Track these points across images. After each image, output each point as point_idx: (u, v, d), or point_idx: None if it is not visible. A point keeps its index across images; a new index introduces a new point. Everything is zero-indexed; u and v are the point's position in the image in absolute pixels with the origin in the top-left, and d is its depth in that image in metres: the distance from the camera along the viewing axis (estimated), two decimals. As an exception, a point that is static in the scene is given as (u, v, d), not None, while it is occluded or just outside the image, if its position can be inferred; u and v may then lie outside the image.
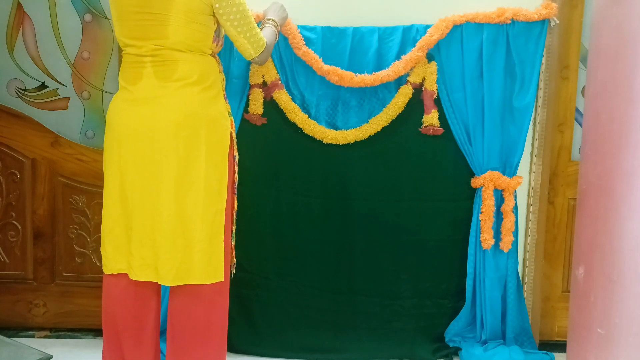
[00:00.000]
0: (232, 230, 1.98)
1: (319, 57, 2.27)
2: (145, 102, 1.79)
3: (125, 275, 1.87)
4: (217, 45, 1.89)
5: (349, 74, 2.26)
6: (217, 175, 1.84)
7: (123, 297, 1.90)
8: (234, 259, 2.04)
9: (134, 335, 1.92)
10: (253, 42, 1.92)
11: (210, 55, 1.88)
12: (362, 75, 2.27)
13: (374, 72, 2.28)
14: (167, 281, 1.82)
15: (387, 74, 2.26)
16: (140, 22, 1.77)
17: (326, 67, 2.26)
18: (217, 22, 1.86)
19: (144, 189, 1.80)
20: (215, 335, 1.92)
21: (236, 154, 1.98)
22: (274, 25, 2.09)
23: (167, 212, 1.79)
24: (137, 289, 1.89)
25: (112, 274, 1.89)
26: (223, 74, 1.96)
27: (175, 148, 1.77)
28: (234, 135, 1.95)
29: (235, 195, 2.01)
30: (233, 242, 2.00)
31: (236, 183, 1.99)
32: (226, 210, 1.89)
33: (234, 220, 2.01)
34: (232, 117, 1.95)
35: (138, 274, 1.85)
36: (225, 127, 1.88)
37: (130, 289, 1.89)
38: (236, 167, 1.99)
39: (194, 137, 1.79)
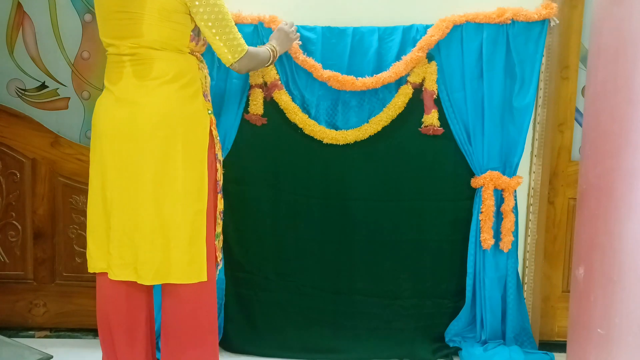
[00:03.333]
0: (215, 231, 1.97)
1: (319, 59, 2.28)
2: (125, 102, 1.81)
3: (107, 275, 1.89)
4: (196, 44, 1.87)
5: (350, 78, 2.26)
6: (196, 174, 1.84)
7: (114, 296, 1.91)
8: (219, 260, 2.02)
9: (126, 335, 1.93)
10: (230, 47, 1.87)
11: (190, 53, 1.87)
12: (363, 79, 2.27)
13: (374, 75, 2.28)
14: (146, 280, 1.83)
15: (387, 75, 2.26)
16: (118, 21, 1.78)
17: (327, 73, 2.26)
18: (192, 21, 1.84)
19: (123, 189, 1.82)
20: (205, 335, 1.92)
21: (218, 153, 1.97)
22: (271, 50, 2.07)
23: (145, 212, 1.80)
24: (128, 288, 1.90)
25: (103, 273, 1.90)
26: (205, 72, 1.94)
27: (153, 148, 1.78)
28: (215, 133, 1.93)
29: (220, 195, 1.99)
30: (217, 243, 1.98)
31: (220, 182, 1.98)
32: (208, 210, 1.88)
33: (218, 221, 1.99)
34: (213, 115, 1.94)
35: (117, 274, 1.86)
36: (203, 125, 1.87)
37: (121, 289, 1.90)
38: (219, 166, 1.97)
39: (171, 136, 1.79)
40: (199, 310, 1.90)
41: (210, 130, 1.90)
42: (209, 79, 1.97)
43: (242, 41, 1.91)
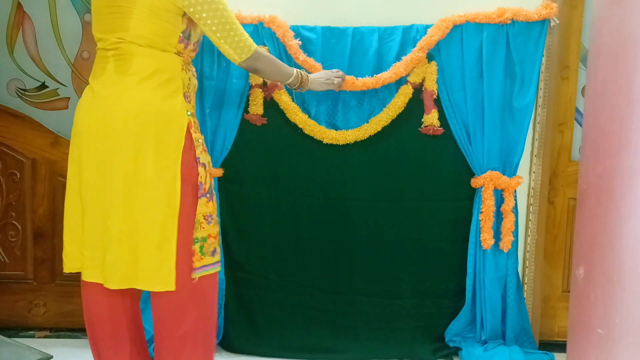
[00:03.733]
0: (193, 235, 1.84)
1: (319, 59, 2.28)
2: (102, 98, 1.77)
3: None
4: (185, 47, 1.82)
5: (350, 78, 2.26)
6: (167, 177, 1.75)
7: (95, 299, 1.88)
8: (219, 267, 1.93)
9: (109, 340, 1.90)
10: (236, 48, 1.84)
11: (175, 53, 1.82)
12: (363, 79, 2.27)
13: (374, 75, 2.28)
14: (112, 284, 1.77)
15: (388, 76, 2.26)
16: (108, 15, 1.76)
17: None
18: (188, 24, 1.81)
19: (96, 188, 1.77)
20: (193, 342, 1.86)
21: (201, 156, 1.85)
22: (299, 72, 2.04)
23: (115, 213, 1.74)
24: (109, 291, 1.83)
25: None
26: (190, 74, 1.88)
27: (125, 147, 1.73)
28: (195, 135, 1.83)
29: (206, 198, 1.86)
30: (197, 248, 1.85)
31: (204, 185, 1.85)
32: (183, 215, 1.78)
33: (203, 225, 1.87)
34: (194, 118, 1.86)
35: (88, 274, 1.82)
36: (179, 125, 1.79)
37: (102, 291, 1.85)
38: (201, 169, 1.84)
39: (143, 135, 1.73)
40: (184, 317, 1.83)
41: (190, 133, 1.81)
42: (194, 82, 1.91)
43: (250, 41, 1.87)
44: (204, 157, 1.87)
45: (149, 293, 1.96)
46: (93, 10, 1.82)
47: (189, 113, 1.83)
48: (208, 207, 1.87)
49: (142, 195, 1.74)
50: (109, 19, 1.76)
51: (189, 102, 1.86)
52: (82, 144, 1.79)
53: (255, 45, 1.89)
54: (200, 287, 1.85)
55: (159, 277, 1.76)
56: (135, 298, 1.94)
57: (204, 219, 1.86)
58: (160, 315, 1.84)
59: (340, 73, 2.22)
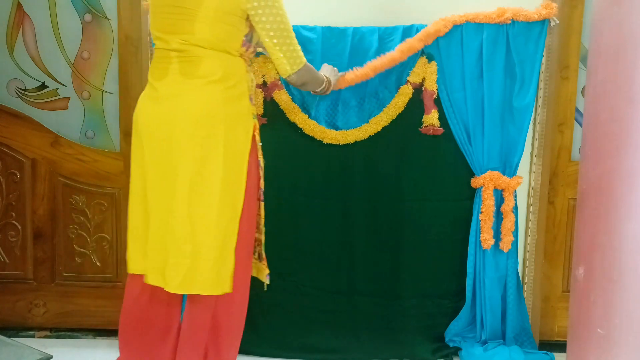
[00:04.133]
0: (259, 240, 1.91)
1: (319, 59, 2.27)
2: (167, 99, 1.75)
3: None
4: (247, 49, 1.82)
5: (349, 72, 2.25)
6: (234, 179, 1.77)
7: (144, 300, 1.86)
8: (267, 270, 1.98)
9: (154, 341, 1.89)
10: (290, 58, 1.81)
11: (239, 56, 1.82)
12: (356, 69, 2.24)
13: (366, 63, 2.24)
14: (171, 288, 1.75)
15: (385, 60, 2.22)
16: (170, 15, 1.74)
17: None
18: (250, 27, 1.80)
19: (161, 189, 1.76)
20: (228, 346, 1.88)
21: (261, 159, 1.90)
22: (326, 78, 2.04)
23: (179, 214, 1.73)
24: (161, 293, 1.82)
25: (135, 275, 1.86)
26: (252, 75, 1.89)
27: (192, 148, 1.72)
28: (257, 138, 1.87)
29: (262, 202, 1.92)
30: (261, 250, 1.92)
31: (262, 189, 1.91)
32: (244, 218, 1.81)
33: (260, 228, 1.92)
34: (257, 120, 1.88)
35: (151, 278, 1.80)
36: (247, 128, 1.81)
37: (154, 292, 1.84)
38: (261, 173, 1.90)
39: (212, 137, 1.73)
40: (227, 318, 1.85)
41: (253, 135, 1.84)
42: (255, 82, 1.91)
43: (301, 53, 1.86)
44: (262, 161, 1.91)
45: None
46: (152, 8, 1.80)
47: (253, 116, 1.85)
48: (263, 211, 1.93)
49: (207, 197, 1.73)
50: (171, 20, 1.75)
51: (254, 104, 1.88)
52: (146, 144, 1.78)
53: (304, 58, 1.88)
54: (247, 287, 1.91)
55: (217, 281, 1.76)
56: (180, 302, 1.94)
57: (259, 222, 1.91)
58: (198, 316, 1.82)
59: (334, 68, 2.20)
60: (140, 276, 1.85)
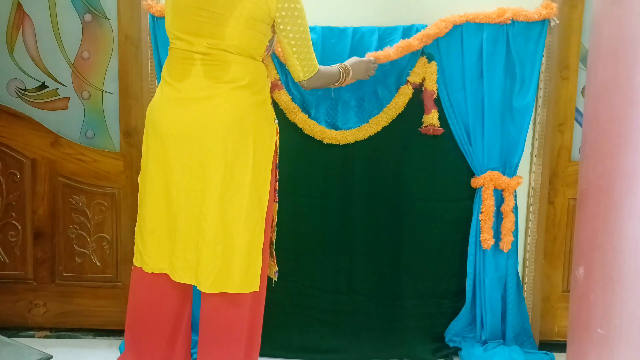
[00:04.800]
0: (271, 239, 1.95)
1: (319, 59, 2.22)
2: (194, 101, 1.76)
3: (161, 275, 1.87)
4: (267, 52, 1.85)
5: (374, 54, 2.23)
6: (261, 182, 1.81)
7: (158, 297, 1.89)
8: (276, 267, 2.02)
9: (168, 336, 1.92)
10: (304, 65, 1.85)
11: (261, 61, 1.85)
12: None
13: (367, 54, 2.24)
14: (204, 287, 1.79)
15: (377, 54, 2.22)
16: (197, 17, 1.73)
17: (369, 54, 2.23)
18: (273, 33, 1.82)
19: (190, 190, 1.77)
20: (249, 340, 1.90)
21: (277, 161, 1.95)
22: (343, 69, 2.02)
23: (210, 216, 1.76)
24: (173, 290, 1.88)
25: (146, 273, 1.88)
26: (269, 80, 1.92)
27: (224, 151, 1.74)
28: (277, 142, 1.92)
29: (277, 203, 1.98)
30: (273, 251, 1.98)
31: (277, 190, 1.96)
32: (267, 219, 1.86)
33: (273, 228, 1.97)
34: (277, 125, 1.92)
35: (181, 276, 1.82)
36: (271, 133, 1.86)
37: (166, 290, 1.89)
38: (277, 175, 1.96)
39: (242, 141, 1.76)
40: (250, 315, 1.88)
41: (276, 140, 1.89)
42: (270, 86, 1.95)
43: (316, 60, 1.89)
44: (277, 164, 1.95)
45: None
46: (173, 7, 1.78)
47: (275, 120, 1.90)
48: (276, 212, 1.98)
49: (238, 198, 1.77)
50: (198, 22, 1.73)
51: (273, 109, 1.92)
52: (169, 145, 1.78)
53: (318, 65, 1.90)
54: (264, 290, 1.95)
55: (248, 280, 1.81)
56: (191, 294, 1.98)
57: (274, 223, 1.96)
58: (226, 313, 1.85)
59: (371, 59, 2.18)
60: (151, 274, 1.88)
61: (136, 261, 1.92)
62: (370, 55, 2.22)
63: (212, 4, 1.71)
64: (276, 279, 2.06)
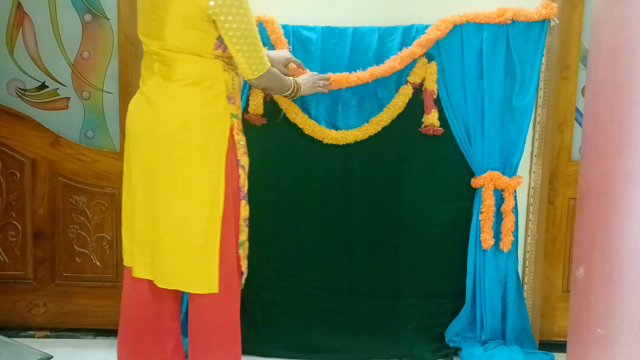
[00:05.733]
0: (239, 239, 1.90)
1: (319, 59, 2.29)
2: (150, 101, 1.80)
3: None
4: (223, 51, 1.80)
5: (344, 74, 2.25)
6: (211, 181, 1.79)
7: (142, 294, 1.91)
8: (244, 268, 1.95)
9: (153, 335, 1.93)
10: (251, 64, 1.80)
11: (214, 58, 1.80)
12: (357, 72, 2.26)
13: (368, 69, 2.26)
14: (160, 283, 1.84)
15: (383, 69, 2.24)
16: (149, 20, 1.77)
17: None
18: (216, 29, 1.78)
19: (145, 189, 1.82)
20: (224, 340, 1.91)
21: (241, 158, 1.88)
22: (294, 82, 2.04)
23: (161, 215, 1.79)
24: (156, 287, 1.88)
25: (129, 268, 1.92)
26: (233, 74, 1.86)
27: (171, 151, 1.77)
28: (237, 138, 1.85)
29: (245, 202, 1.91)
30: (241, 251, 1.90)
31: (243, 189, 1.89)
32: (226, 218, 1.82)
33: (243, 228, 1.91)
34: (238, 120, 1.88)
35: (138, 271, 1.87)
36: (223, 129, 1.82)
37: (149, 287, 1.90)
38: (241, 172, 1.88)
39: (188, 139, 1.77)
40: (216, 318, 1.88)
41: (232, 135, 1.83)
42: (238, 80, 1.89)
43: (265, 59, 1.85)
44: (244, 160, 1.90)
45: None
46: (138, 11, 1.83)
47: (232, 115, 1.85)
48: (246, 210, 1.93)
49: (186, 199, 1.78)
50: (149, 25, 1.77)
51: (233, 103, 1.86)
52: (132, 145, 1.85)
53: (269, 64, 1.87)
54: (238, 288, 1.93)
55: (203, 280, 1.81)
56: (178, 293, 1.98)
57: (244, 222, 1.92)
58: (199, 315, 1.88)
59: (325, 76, 2.22)
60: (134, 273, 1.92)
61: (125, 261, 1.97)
62: (375, 69, 2.24)
63: (154, 6, 1.74)
64: (243, 282, 1.96)
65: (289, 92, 2.04)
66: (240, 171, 1.88)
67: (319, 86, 2.19)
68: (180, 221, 1.79)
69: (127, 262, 1.92)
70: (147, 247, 1.84)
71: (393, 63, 2.25)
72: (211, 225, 1.80)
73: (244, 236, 1.91)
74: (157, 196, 1.80)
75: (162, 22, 1.73)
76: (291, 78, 2.05)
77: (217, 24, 1.74)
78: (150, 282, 1.88)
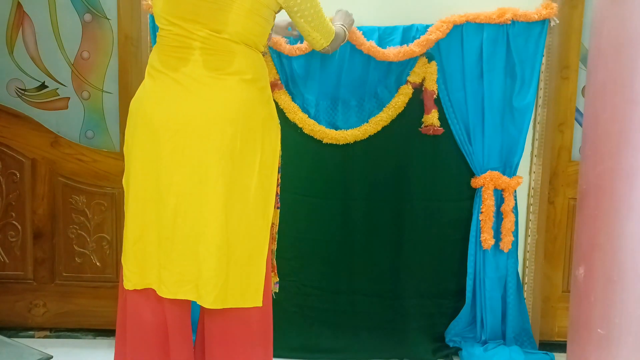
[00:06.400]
0: (273, 249, 1.79)
1: (319, 59, 2.28)
2: (196, 92, 1.57)
3: (153, 291, 1.64)
4: (268, 43, 1.78)
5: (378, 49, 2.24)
6: (267, 186, 1.64)
7: (153, 316, 1.66)
8: (277, 278, 1.87)
9: (162, 351, 1.70)
10: (325, 33, 1.80)
11: (261, 52, 1.70)
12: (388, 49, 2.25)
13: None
14: (206, 302, 1.59)
15: (376, 50, 2.24)
16: (195, 3, 1.56)
17: (367, 43, 2.24)
18: (274, 21, 1.73)
19: (187, 193, 1.57)
20: (263, 345, 1.75)
21: (280, 164, 1.78)
22: (342, 27, 2.00)
23: (215, 223, 1.56)
24: (171, 306, 1.65)
25: (138, 290, 1.66)
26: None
27: (231, 150, 1.56)
28: (281, 145, 1.76)
29: (278, 210, 1.80)
30: (273, 260, 1.81)
31: (279, 196, 1.79)
32: (270, 227, 1.70)
33: (276, 237, 1.81)
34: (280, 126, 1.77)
35: (173, 291, 1.60)
36: (277, 132, 1.71)
37: (163, 306, 1.66)
38: (279, 179, 1.77)
39: (251, 140, 1.59)
40: (253, 331, 1.70)
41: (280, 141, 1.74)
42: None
43: (330, 24, 1.85)
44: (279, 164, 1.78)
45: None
46: None
47: (278, 122, 1.76)
48: (277, 217, 1.81)
49: (241, 204, 1.59)
50: (196, 8, 1.56)
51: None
52: (164, 142, 1.56)
53: (334, 27, 1.88)
54: (269, 303, 1.78)
55: (249, 294, 1.63)
56: (190, 307, 1.77)
57: (275, 231, 1.81)
58: (230, 329, 1.68)
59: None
60: (147, 291, 1.66)
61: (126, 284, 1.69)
62: (371, 46, 2.22)
63: None
64: (276, 291, 1.91)
65: (344, 39, 2.03)
66: (279, 176, 1.76)
67: (350, 14, 2.14)
68: (233, 228, 1.58)
69: (136, 284, 1.65)
70: (191, 262, 1.58)
71: (388, 53, 2.23)
72: (262, 233, 1.64)
73: (275, 244, 1.80)
74: (208, 200, 1.55)
75: (224, 6, 1.56)
76: (337, 24, 2.00)
77: (292, 11, 1.69)
78: (169, 303, 1.64)
